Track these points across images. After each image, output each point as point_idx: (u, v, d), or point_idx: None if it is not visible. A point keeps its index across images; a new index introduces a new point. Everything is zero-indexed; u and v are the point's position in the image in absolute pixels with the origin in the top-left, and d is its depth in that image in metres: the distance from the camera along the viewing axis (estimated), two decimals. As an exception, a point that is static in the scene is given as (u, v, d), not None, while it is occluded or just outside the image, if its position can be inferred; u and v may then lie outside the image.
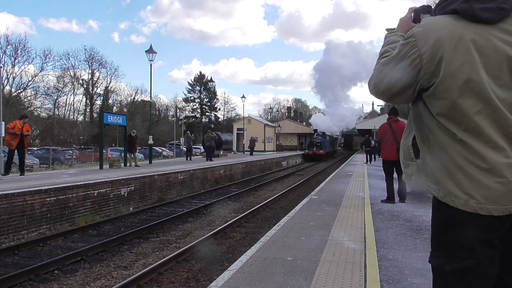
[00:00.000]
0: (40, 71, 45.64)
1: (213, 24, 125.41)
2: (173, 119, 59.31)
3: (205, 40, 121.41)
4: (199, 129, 68.63)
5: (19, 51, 42.53)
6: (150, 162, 20.20)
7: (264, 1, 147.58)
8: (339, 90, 49.56)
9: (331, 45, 51.59)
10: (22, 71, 43.48)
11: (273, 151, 46.71)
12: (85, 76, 52.51)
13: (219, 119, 74.96)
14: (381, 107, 52.04)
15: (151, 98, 25.45)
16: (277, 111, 76.17)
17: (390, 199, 8.71)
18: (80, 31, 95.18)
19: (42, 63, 47.07)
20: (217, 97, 75.78)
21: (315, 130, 45.01)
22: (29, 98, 45.26)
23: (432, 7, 1.60)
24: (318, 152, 39.30)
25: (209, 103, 74.51)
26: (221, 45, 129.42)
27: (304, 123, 63.64)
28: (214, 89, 75.41)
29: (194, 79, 75.09)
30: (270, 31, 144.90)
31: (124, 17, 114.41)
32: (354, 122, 51.66)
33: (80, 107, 54.29)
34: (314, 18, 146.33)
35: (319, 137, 41.92)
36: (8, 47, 41.82)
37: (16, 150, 12.45)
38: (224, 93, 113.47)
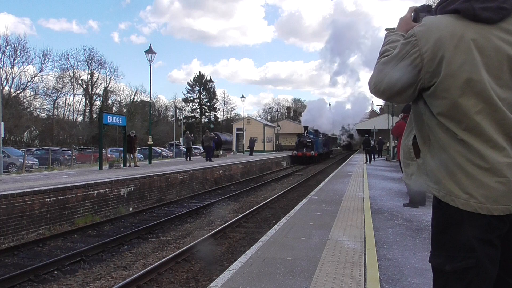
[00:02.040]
0: (40, 72, 45.74)
1: (213, 24, 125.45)
2: (172, 119, 59.40)
3: (205, 40, 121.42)
4: (199, 129, 68.63)
5: (18, 52, 42.67)
6: (150, 163, 20.20)
7: (264, 1, 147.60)
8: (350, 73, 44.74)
9: (339, 22, 46.34)
10: (21, 71, 43.65)
11: (273, 151, 46.71)
12: (85, 76, 52.64)
13: (219, 119, 74.99)
14: (380, 107, 51.98)
15: (150, 99, 25.50)
16: (277, 111, 76.32)
17: (413, 202, 8.16)
18: (80, 31, 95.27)
19: (42, 64, 47.20)
20: (216, 97, 75.92)
21: (305, 128, 38.39)
22: (28, 98, 45.37)
23: (433, 7, 1.59)
24: (308, 153, 33.33)
25: (208, 103, 74.55)
26: (221, 45, 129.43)
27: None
28: (214, 89, 75.59)
29: (193, 79, 75.21)
30: (270, 31, 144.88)
31: (124, 17, 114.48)
32: (365, 110, 47.78)
33: (80, 107, 54.40)
34: (314, 18, 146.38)
35: (310, 136, 35.94)
36: (7, 47, 41.93)
37: None
38: (224, 93, 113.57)
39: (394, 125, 9.21)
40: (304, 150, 33.70)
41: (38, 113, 47.53)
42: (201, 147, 35.33)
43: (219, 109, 76.84)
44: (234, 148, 43.28)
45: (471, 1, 1.37)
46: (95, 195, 10.36)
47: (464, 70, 1.34)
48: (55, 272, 6.30)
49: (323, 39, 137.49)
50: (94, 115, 51.66)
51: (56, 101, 49.74)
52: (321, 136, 39.63)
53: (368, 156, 25.55)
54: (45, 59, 46.73)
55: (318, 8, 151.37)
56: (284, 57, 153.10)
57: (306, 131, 37.26)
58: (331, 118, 45.39)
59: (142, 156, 31.03)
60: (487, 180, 1.34)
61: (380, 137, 35.22)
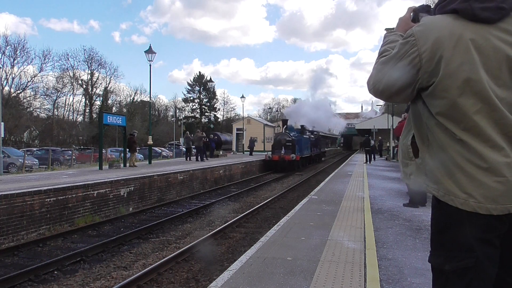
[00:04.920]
0: (40, 72, 45.74)
1: (214, 24, 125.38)
2: (172, 119, 59.41)
3: (206, 40, 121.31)
4: (199, 129, 68.60)
5: (18, 52, 42.68)
6: (150, 163, 20.20)
7: (266, 0, 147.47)
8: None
9: None
10: (21, 71, 43.64)
11: (273, 151, 46.62)
12: (84, 76, 52.66)
13: (219, 119, 74.96)
14: (380, 107, 51.93)
15: (150, 99, 25.54)
16: (277, 111, 76.19)
17: (413, 202, 8.19)
18: (81, 31, 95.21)
19: (41, 64, 47.14)
20: (216, 97, 75.91)
21: (285, 122, 28.51)
22: (28, 98, 45.34)
23: (432, 7, 1.60)
24: (287, 156, 24.55)
25: (208, 103, 74.54)
26: (222, 45, 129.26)
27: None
28: (214, 89, 75.54)
29: (193, 79, 75.19)
30: (272, 31, 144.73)
31: (125, 17, 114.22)
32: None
33: (80, 107, 54.41)
34: (315, 18, 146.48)
35: (291, 134, 26.61)
36: (7, 47, 41.95)
37: None
38: (224, 93, 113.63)
39: (397, 124, 9.23)
40: (282, 152, 25.11)
41: (38, 113, 47.59)
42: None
43: (219, 109, 76.89)
44: (234, 148, 43.29)
45: (470, 1, 1.37)
46: (95, 195, 10.36)
47: (462, 70, 1.34)
48: (55, 272, 6.30)
49: (324, 39, 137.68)
50: (94, 115, 51.66)
51: (56, 101, 49.80)
52: (308, 133, 30.82)
53: (368, 156, 25.56)
54: (45, 59, 46.80)
55: (319, 8, 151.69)
56: (285, 57, 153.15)
57: (285, 127, 27.74)
58: (330, 113, 39.19)
59: (142, 156, 31.03)
60: (486, 180, 1.34)
61: (380, 137, 35.18)
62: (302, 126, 30.16)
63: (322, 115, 36.76)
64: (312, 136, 32.29)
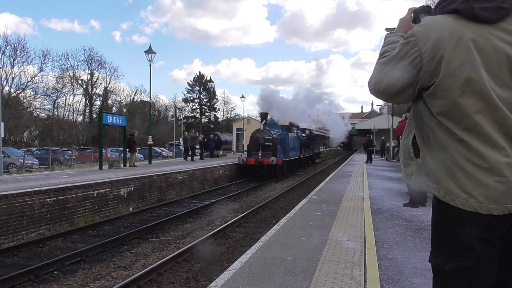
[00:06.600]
0: (40, 72, 45.74)
1: (215, 24, 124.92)
2: (172, 119, 59.40)
3: (207, 40, 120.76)
4: (199, 129, 68.61)
5: (18, 52, 42.68)
6: (150, 163, 20.20)
7: (267, 0, 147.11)
8: None
9: None
10: (21, 71, 43.62)
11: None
12: (84, 76, 52.58)
13: (219, 119, 74.93)
14: (380, 107, 51.97)
15: (150, 99, 25.57)
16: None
17: (413, 202, 8.19)
18: (82, 31, 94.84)
19: (41, 64, 47.17)
20: (216, 97, 75.83)
21: (264, 116, 22.64)
22: (28, 98, 45.36)
23: (432, 7, 1.60)
24: (266, 160, 19.74)
25: (208, 103, 74.49)
26: (222, 45, 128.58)
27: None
28: (214, 89, 75.46)
29: (193, 79, 75.10)
30: (272, 31, 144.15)
31: (126, 17, 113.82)
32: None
33: (80, 107, 54.36)
34: (316, 18, 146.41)
35: (274, 131, 21.72)
36: (8, 47, 41.95)
37: None
38: (224, 93, 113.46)
39: (398, 124, 9.24)
40: (260, 154, 20.20)
41: (38, 113, 47.58)
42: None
43: (219, 109, 76.77)
44: (234, 148, 43.32)
45: (470, 1, 1.37)
46: (95, 195, 10.36)
47: (463, 69, 1.34)
48: (55, 272, 6.31)
49: (325, 39, 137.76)
50: (94, 115, 51.62)
51: (56, 101, 49.77)
52: (296, 131, 25.79)
53: (369, 156, 25.59)
54: (45, 59, 46.85)
55: (320, 8, 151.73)
56: (285, 57, 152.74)
57: (264, 122, 22.31)
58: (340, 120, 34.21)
59: (142, 156, 31.02)
60: (487, 180, 1.34)
61: (383, 138, 35.11)
62: (290, 123, 25.02)
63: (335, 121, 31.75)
64: (303, 134, 27.23)
